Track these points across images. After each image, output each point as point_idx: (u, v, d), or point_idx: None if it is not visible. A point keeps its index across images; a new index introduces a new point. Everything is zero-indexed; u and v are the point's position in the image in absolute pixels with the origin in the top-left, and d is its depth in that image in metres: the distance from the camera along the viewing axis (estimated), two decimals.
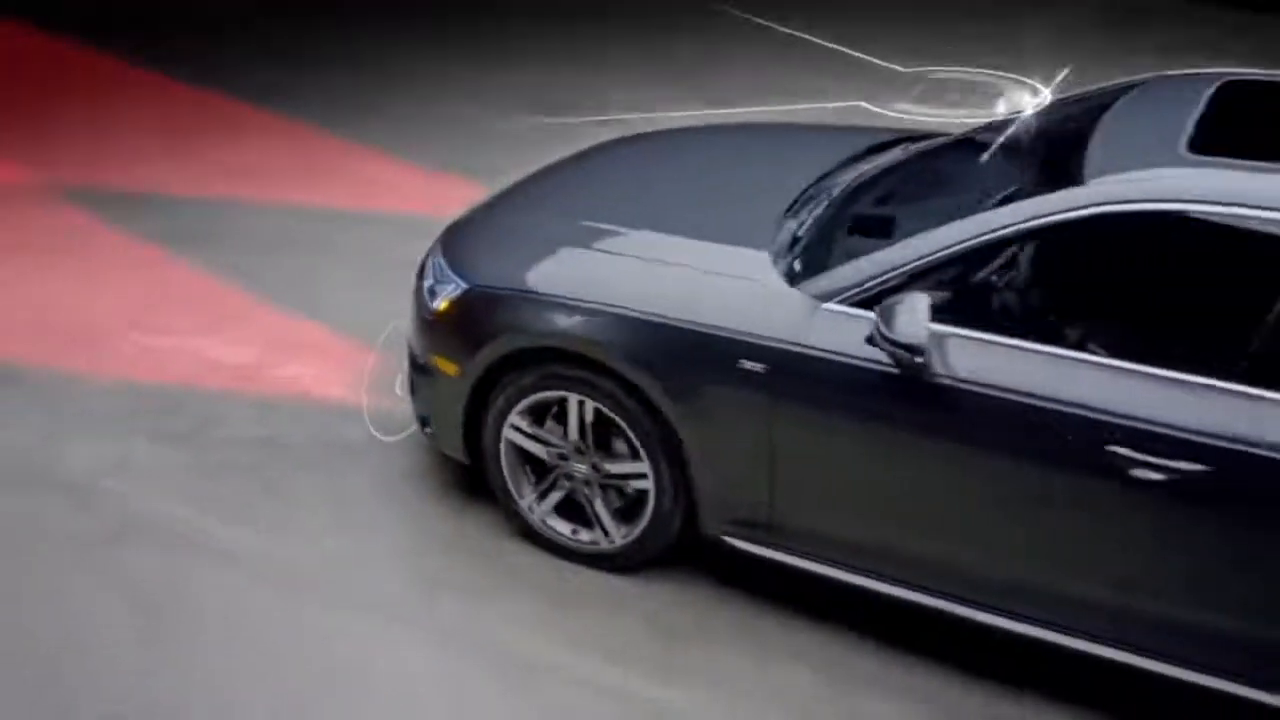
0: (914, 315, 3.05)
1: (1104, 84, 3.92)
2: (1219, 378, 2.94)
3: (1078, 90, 4.08)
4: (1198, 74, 3.76)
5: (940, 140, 4.15)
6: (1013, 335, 3.15)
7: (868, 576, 3.46)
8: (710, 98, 7.12)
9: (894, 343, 3.08)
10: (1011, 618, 3.31)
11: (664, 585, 3.75)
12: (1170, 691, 3.20)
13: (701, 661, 3.52)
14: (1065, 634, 3.26)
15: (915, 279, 3.20)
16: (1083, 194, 3.09)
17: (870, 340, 3.16)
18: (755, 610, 3.68)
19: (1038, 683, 3.42)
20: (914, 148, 4.10)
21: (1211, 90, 3.54)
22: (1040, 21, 8.57)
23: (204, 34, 8.41)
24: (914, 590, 3.41)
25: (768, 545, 3.55)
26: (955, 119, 6.29)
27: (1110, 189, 3.08)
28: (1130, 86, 3.77)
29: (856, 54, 7.50)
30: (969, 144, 3.95)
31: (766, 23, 8.02)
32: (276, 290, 5.28)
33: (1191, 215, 3.03)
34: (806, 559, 3.51)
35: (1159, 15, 8.73)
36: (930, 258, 3.19)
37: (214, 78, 7.54)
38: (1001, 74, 7.18)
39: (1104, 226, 3.09)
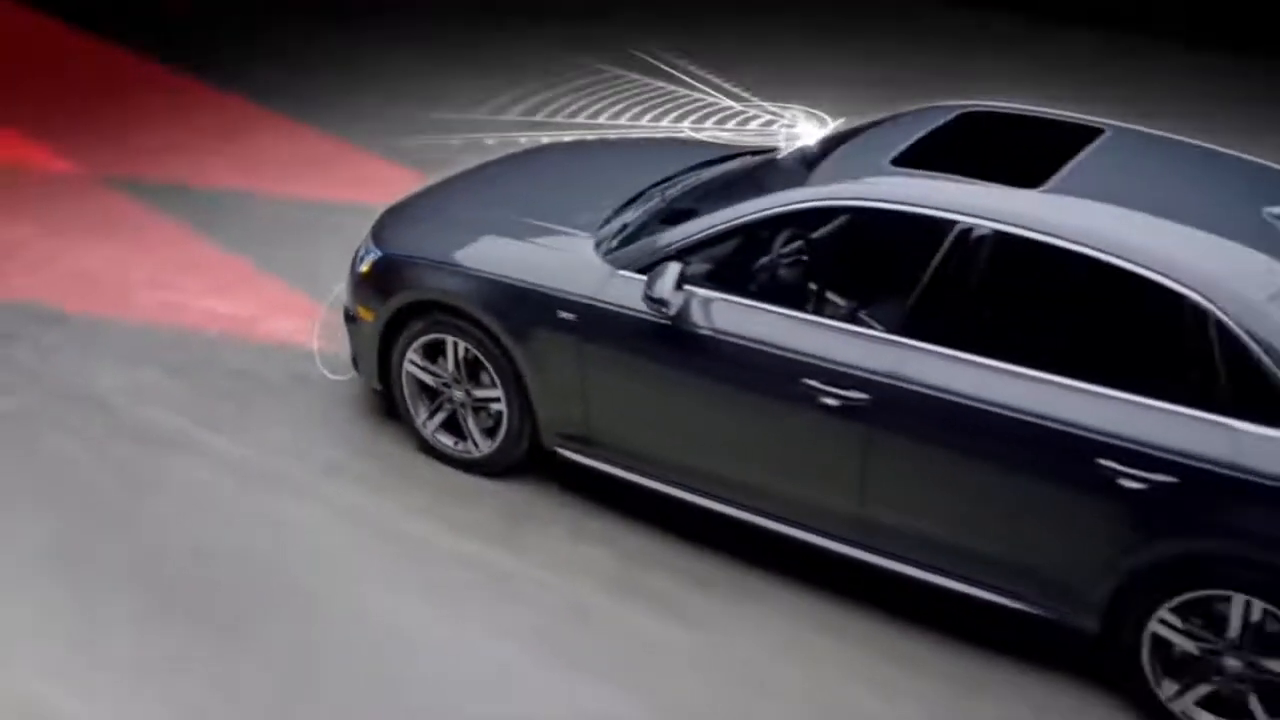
0: (666, 279, 4.17)
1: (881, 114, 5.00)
2: (880, 329, 4.01)
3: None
4: (950, 105, 4.80)
5: (760, 157, 5.26)
6: (745, 296, 4.24)
7: (659, 481, 4.56)
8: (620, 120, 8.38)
9: (651, 299, 4.20)
10: (756, 514, 4.38)
11: (520, 486, 4.91)
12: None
13: (537, 541, 4.68)
14: (797, 528, 4.32)
15: (683, 253, 4.32)
16: (797, 194, 4.20)
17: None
18: (585, 508, 4.81)
19: (774, 562, 4.50)
20: (739, 161, 5.21)
21: (947, 118, 4.58)
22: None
23: (224, 41, 9.69)
24: (691, 492, 4.50)
25: (587, 456, 4.68)
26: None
27: (816, 190, 4.17)
28: (896, 115, 4.84)
29: (708, 90, 8.78)
30: (775, 160, 5.06)
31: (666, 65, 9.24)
32: (276, 265, 6.52)
33: (872, 210, 4.10)
34: (615, 467, 4.64)
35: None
36: (690, 238, 4.31)
37: (235, 83, 8.80)
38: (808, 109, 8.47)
39: (812, 216, 4.20)
